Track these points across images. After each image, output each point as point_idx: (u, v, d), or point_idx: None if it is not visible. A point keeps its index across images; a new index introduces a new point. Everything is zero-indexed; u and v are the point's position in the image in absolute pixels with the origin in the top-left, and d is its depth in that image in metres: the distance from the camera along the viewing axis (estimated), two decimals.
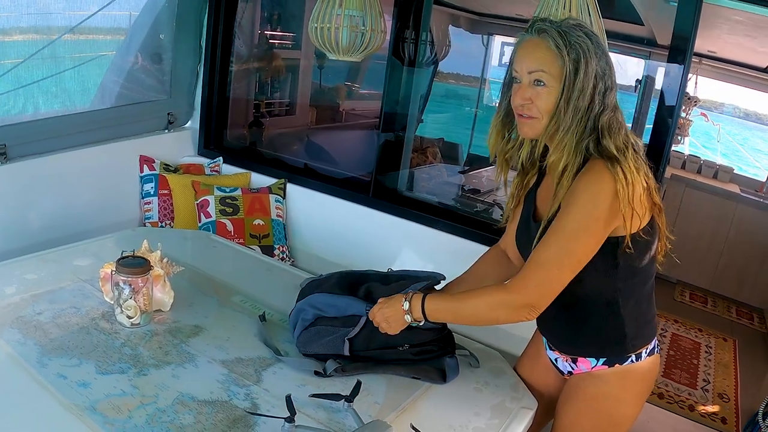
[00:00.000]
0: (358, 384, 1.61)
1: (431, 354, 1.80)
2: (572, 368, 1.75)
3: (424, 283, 1.76)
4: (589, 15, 2.30)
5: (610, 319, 1.62)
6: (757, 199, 5.94)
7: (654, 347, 1.70)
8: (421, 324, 1.69)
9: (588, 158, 1.53)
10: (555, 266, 1.51)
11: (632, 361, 1.66)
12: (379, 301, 1.73)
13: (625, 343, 1.64)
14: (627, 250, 1.52)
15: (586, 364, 1.70)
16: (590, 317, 1.65)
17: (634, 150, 1.53)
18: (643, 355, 1.67)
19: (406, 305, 1.66)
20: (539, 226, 1.60)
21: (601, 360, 1.67)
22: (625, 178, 1.45)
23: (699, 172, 6.44)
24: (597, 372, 1.69)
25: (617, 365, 1.66)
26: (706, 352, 4.67)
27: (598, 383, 1.69)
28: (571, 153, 1.52)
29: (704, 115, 6.73)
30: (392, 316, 1.69)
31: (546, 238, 1.53)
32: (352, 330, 1.74)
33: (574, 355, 1.73)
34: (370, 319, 1.72)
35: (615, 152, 1.48)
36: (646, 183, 1.51)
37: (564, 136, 1.51)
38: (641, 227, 1.54)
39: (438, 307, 1.65)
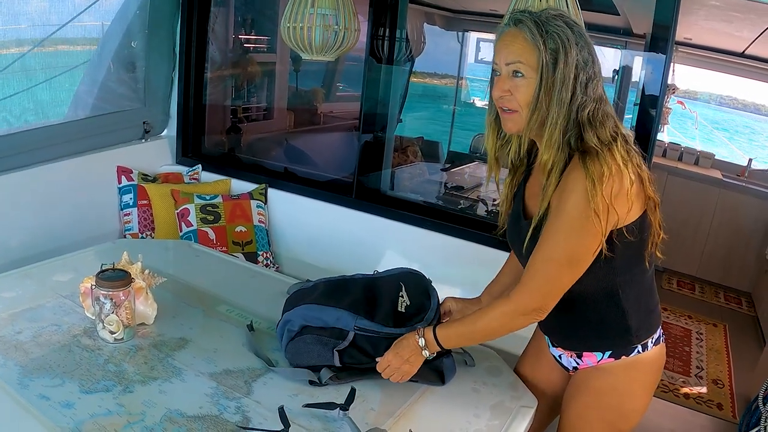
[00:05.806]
0: (353, 391, 1.57)
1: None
2: (578, 363, 1.72)
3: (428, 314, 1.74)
4: (567, 6, 2.27)
5: (612, 312, 1.59)
6: (739, 183, 5.97)
7: (659, 336, 1.68)
8: (433, 356, 1.67)
9: (572, 154, 1.48)
10: (553, 268, 1.49)
11: (638, 351, 1.63)
12: (390, 349, 1.68)
13: (629, 335, 1.62)
14: (605, 251, 1.48)
15: (591, 358, 1.67)
16: (592, 312, 1.62)
17: (625, 141, 1.48)
18: (650, 345, 1.65)
19: (422, 341, 1.64)
20: (530, 224, 1.57)
21: (607, 353, 1.65)
22: (602, 172, 1.40)
23: (680, 159, 6.45)
24: (604, 365, 1.66)
25: (624, 357, 1.63)
26: (697, 338, 4.67)
27: (605, 376, 1.66)
28: (557, 149, 1.48)
29: (681, 103, 6.74)
30: (411, 354, 1.65)
31: (541, 241, 1.50)
32: (341, 343, 1.69)
33: (579, 351, 1.70)
34: (380, 370, 1.67)
35: (596, 145, 1.44)
36: (639, 175, 1.47)
37: (552, 131, 1.46)
38: (628, 222, 1.49)
39: (450, 333, 1.64)
